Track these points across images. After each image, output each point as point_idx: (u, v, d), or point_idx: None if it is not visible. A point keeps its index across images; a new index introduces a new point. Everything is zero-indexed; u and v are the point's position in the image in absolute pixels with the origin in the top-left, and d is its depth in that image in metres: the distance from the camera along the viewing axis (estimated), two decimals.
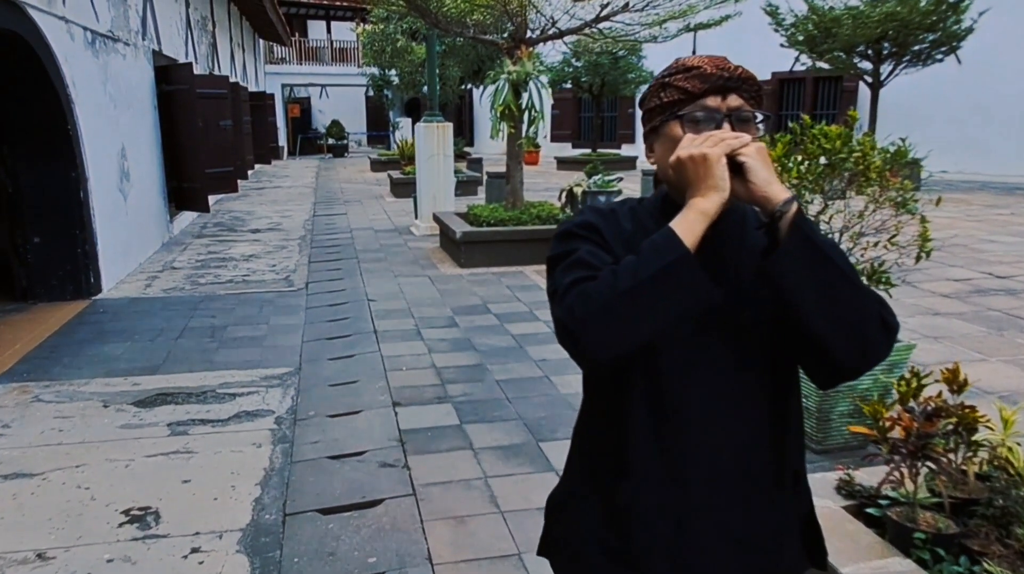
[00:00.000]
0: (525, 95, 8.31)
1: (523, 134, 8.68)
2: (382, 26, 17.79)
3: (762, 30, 15.66)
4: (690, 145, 1.17)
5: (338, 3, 28.64)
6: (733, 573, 1.26)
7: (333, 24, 31.82)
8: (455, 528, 3.11)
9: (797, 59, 16.36)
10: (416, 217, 11.08)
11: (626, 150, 22.94)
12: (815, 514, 1.41)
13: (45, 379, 4.86)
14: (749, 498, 1.26)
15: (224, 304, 6.78)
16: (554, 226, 7.14)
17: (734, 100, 1.23)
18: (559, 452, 3.61)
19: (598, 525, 1.31)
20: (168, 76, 9.75)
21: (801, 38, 14.96)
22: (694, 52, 21.79)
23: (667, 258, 1.11)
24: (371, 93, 26.15)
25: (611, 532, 1.29)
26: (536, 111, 8.33)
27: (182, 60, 11.19)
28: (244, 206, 13.82)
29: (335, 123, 29.38)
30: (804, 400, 3.78)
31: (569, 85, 21.30)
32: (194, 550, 2.98)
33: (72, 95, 6.62)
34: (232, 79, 15.95)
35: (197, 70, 12.01)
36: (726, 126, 1.21)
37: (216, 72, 14.53)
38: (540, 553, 1.44)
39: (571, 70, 19.91)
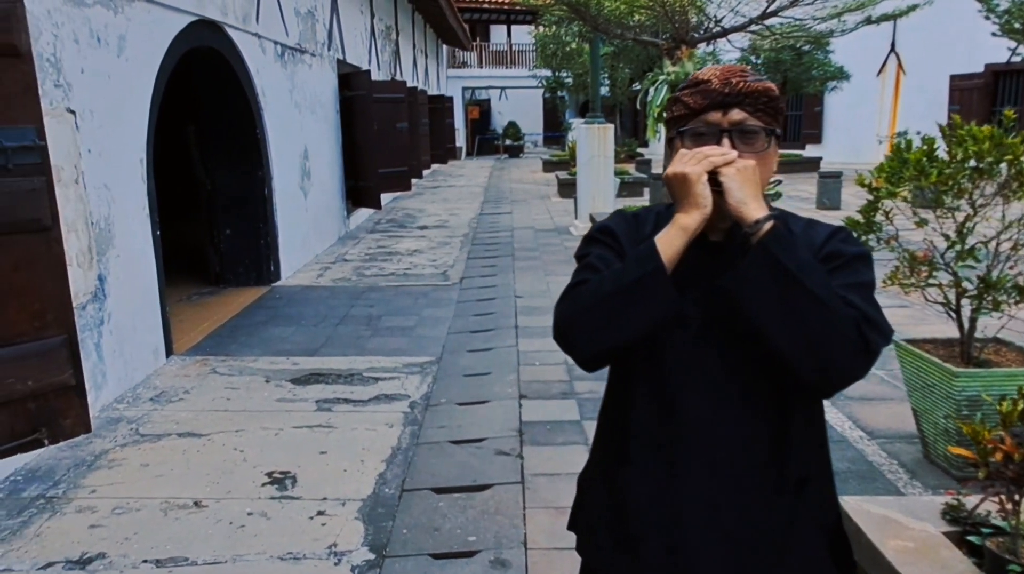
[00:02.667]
0: None
1: None
2: (554, 29, 18.13)
3: (971, 17, 14.23)
4: (677, 162, 1.23)
5: (518, 7, 29.39)
6: (727, 569, 1.28)
7: (513, 28, 32.73)
8: (554, 518, 3.22)
9: (1014, 50, 14.69)
10: (575, 217, 11.23)
11: (811, 151, 21.57)
12: (842, 526, 1.39)
13: (223, 354, 5.51)
14: (744, 498, 1.28)
15: (383, 295, 7.29)
16: None
17: (736, 114, 1.26)
18: None
19: (605, 509, 1.39)
20: (349, 83, 10.57)
21: (1017, 25, 13.41)
22: (893, 43, 20.15)
23: (644, 269, 1.20)
24: (547, 95, 26.65)
25: (615, 517, 1.37)
26: None
27: (364, 68, 12.06)
28: (417, 204, 14.64)
29: (511, 124, 30.25)
30: (944, 421, 3.51)
31: None
32: (319, 513, 3.30)
33: (261, 103, 7.40)
34: (412, 84, 16.91)
35: (379, 76, 12.90)
36: (725, 141, 1.25)
37: (398, 77, 15.48)
38: (569, 527, 1.54)
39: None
